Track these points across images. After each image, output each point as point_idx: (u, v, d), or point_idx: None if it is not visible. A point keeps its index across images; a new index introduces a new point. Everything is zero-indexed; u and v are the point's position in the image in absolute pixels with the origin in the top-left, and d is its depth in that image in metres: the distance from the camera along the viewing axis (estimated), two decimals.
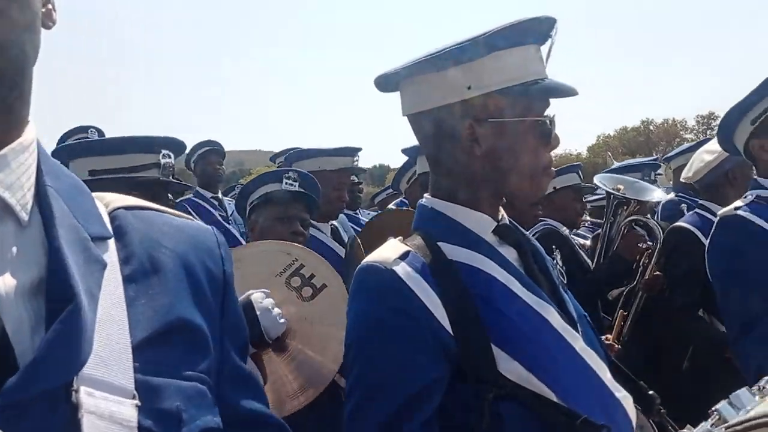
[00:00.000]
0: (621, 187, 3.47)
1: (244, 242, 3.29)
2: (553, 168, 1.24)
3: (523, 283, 1.16)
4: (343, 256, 2.61)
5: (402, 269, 1.09)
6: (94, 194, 0.73)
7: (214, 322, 0.75)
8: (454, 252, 1.15)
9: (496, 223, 1.22)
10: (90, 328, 0.59)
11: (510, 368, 1.06)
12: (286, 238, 2.27)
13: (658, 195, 3.49)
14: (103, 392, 0.58)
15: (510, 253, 1.21)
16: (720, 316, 2.51)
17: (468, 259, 1.15)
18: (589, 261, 3.56)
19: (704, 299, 2.66)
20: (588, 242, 4.07)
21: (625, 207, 3.40)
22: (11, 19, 0.58)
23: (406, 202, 3.79)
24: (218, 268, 0.79)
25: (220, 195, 5.06)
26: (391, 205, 5.02)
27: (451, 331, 1.06)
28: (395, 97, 1.26)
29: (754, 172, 2.20)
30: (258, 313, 1.47)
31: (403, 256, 1.11)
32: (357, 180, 4.72)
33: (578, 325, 1.21)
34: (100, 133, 4.41)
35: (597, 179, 3.53)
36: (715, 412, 0.79)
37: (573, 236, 3.76)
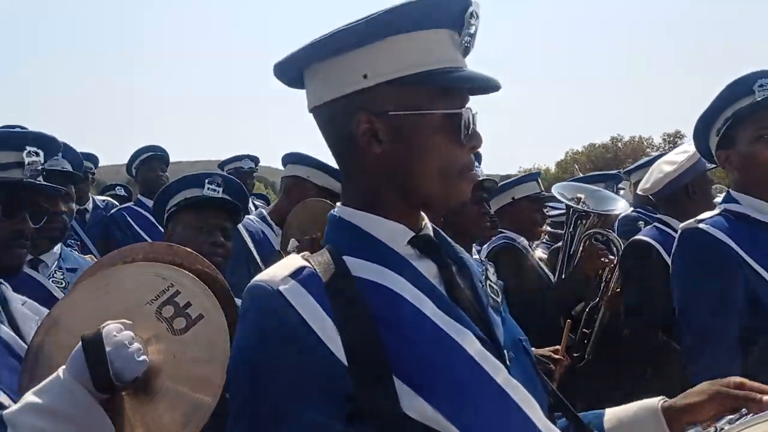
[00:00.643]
0: (581, 196, 3.29)
1: None
2: (474, 172, 1.05)
3: (438, 303, 0.97)
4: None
5: (290, 289, 0.92)
6: None
7: None
8: (359, 267, 0.97)
9: (413, 233, 1.02)
10: None
11: (415, 406, 0.88)
12: (205, 249, 2.01)
13: (621, 206, 3.33)
14: None
15: (429, 268, 1.02)
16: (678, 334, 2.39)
17: (374, 276, 0.96)
18: (549, 274, 3.38)
19: (665, 316, 2.51)
20: (544, 255, 3.90)
21: (585, 220, 3.22)
22: None
23: None
24: None
25: None
26: None
27: (345, 362, 0.88)
28: None
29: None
30: (108, 349, 1.21)
31: (296, 273, 0.94)
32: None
33: (509, 352, 1.02)
34: None
35: (555, 189, 3.35)
36: None
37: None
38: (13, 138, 1.50)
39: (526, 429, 0.94)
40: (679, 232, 1.96)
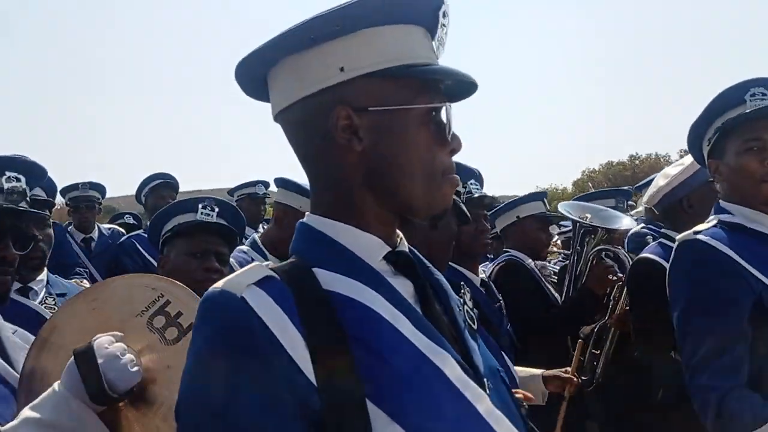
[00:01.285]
0: (588, 215, 3.24)
1: None
2: (456, 176, 0.98)
3: (416, 324, 0.90)
4: None
5: (255, 297, 0.84)
6: None
7: None
8: (331, 281, 0.90)
9: (389, 249, 0.96)
10: None
11: None
12: (199, 275, 2.01)
13: (627, 223, 3.27)
14: None
15: (405, 287, 0.96)
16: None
17: (348, 291, 0.89)
18: (556, 295, 3.31)
19: (674, 335, 2.43)
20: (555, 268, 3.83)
21: (593, 236, 3.16)
22: None
23: None
24: None
25: None
26: None
27: (314, 381, 0.81)
28: None
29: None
30: (100, 361, 1.21)
31: (262, 282, 0.86)
32: None
33: (488, 380, 0.96)
34: None
35: (561, 207, 3.31)
36: None
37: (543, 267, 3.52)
38: None
39: None
40: (676, 244, 1.89)
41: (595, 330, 3.17)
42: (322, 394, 0.81)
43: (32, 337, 1.59)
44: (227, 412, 0.80)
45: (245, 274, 0.88)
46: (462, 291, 1.05)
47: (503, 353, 2.30)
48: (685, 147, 2.08)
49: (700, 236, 1.81)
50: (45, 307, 2.18)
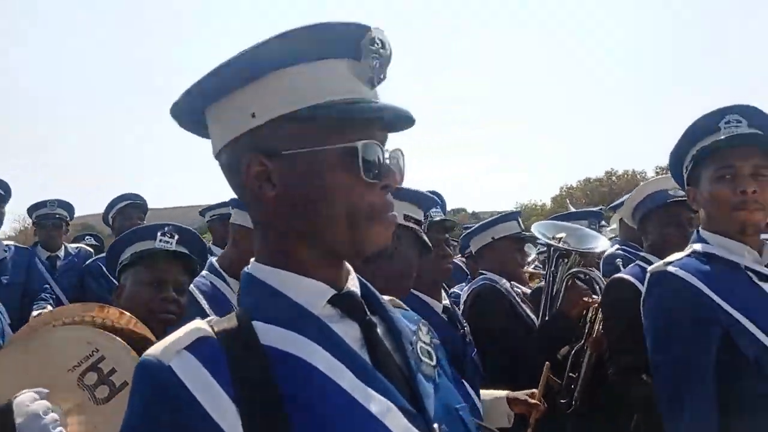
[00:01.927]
0: (562, 235, 3.19)
1: None
2: (392, 214, 0.92)
3: (359, 373, 0.85)
4: None
5: (182, 364, 0.80)
6: None
7: None
8: (270, 335, 0.85)
9: (334, 291, 0.91)
10: None
11: None
12: (155, 305, 1.93)
13: (602, 244, 3.23)
14: None
15: (351, 331, 0.90)
16: None
17: (285, 344, 0.84)
18: (533, 315, 3.25)
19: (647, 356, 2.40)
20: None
21: (566, 259, 3.12)
22: None
23: None
24: None
25: None
26: None
27: None
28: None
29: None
30: (19, 420, 1.13)
31: (193, 345, 0.82)
32: None
33: (441, 425, 0.90)
34: None
35: (535, 228, 3.26)
36: None
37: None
38: None
39: None
40: (648, 275, 1.87)
41: (572, 353, 3.13)
42: None
43: None
44: None
45: (179, 337, 0.84)
46: (417, 327, 0.98)
47: (465, 383, 2.22)
48: (661, 164, 2.09)
49: (670, 268, 1.79)
50: None
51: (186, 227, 2.15)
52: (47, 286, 4.39)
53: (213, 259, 2.66)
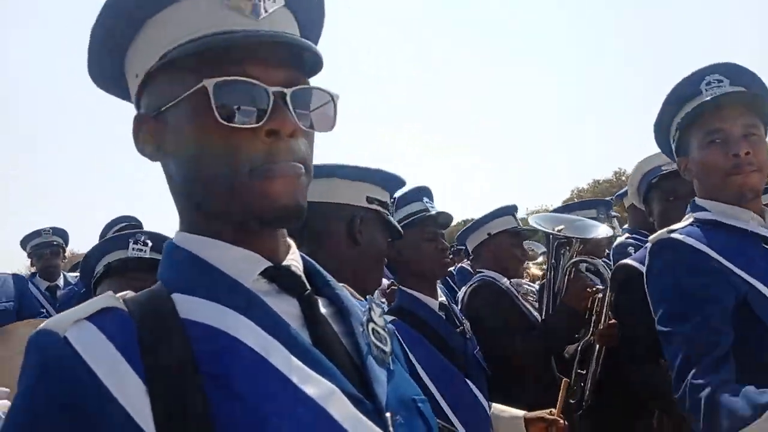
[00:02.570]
0: (561, 226, 3.08)
1: None
2: (293, 164, 0.77)
3: (297, 352, 0.74)
4: None
5: (80, 335, 0.69)
6: None
7: None
8: (191, 308, 0.75)
9: (268, 264, 0.81)
10: None
11: None
12: None
13: (602, 231, 3.11)
14: None
15: (288, 308, 0.80)
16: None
17: (208, 318, 0.74)
18: (536, 313, 3.12)
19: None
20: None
21: (568, 248, 3.00)
22: None
23: None
24: None
25: None
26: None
27: None
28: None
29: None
30: None
31: (96, 315, 0.72)
32: None
33: (394, 415, 0.79)
34: None
35: (532, 219, 3.15)
36: None
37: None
38: None
39: None
40: (649, 245, 1.74)
41: (579, 348, 2.99)
42: None
43: None
44: None
45: (79, 307, 0.73)
46: (368, 307, 0.88)
47: (467, 381, 2.10)
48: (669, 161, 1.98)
49: (674, 235, 1.67)
50: None
51: (158, 233, 2.07)
52: (43, 311, 4.33)
53: None
